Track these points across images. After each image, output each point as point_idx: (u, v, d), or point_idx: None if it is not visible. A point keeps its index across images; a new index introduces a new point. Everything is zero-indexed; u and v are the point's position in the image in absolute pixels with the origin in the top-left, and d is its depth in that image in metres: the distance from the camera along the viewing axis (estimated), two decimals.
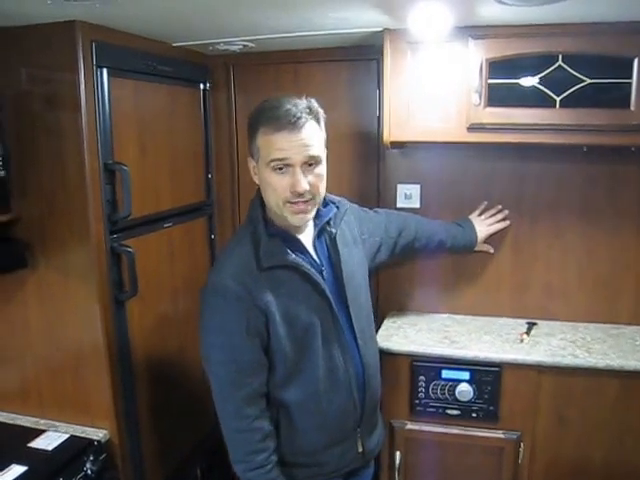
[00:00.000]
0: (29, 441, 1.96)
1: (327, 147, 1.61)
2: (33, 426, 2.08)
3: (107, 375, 2.00)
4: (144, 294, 2.14)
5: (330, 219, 1.70)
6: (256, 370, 1.56)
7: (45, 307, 2.02)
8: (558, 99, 2.03)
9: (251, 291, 1.52)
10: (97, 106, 1.90)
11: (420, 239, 2.20)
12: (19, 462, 1.83)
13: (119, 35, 1.99)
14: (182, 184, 2.39)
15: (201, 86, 2.51)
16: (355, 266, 1.74)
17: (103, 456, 1.99)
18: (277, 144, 1.49)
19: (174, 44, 2.29)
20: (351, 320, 1.68)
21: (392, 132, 2.19)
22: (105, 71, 1.92)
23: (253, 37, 2.25)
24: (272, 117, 1.50)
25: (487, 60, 2.05)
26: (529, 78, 2.05)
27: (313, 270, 1.60)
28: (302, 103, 1.53)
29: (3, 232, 1.95)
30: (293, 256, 1.57)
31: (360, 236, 1.85)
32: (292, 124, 1.48)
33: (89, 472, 1.92)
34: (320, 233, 1.69)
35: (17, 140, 1.90)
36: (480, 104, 2.08)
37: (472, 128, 2.11)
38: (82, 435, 2.01)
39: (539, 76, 2.03)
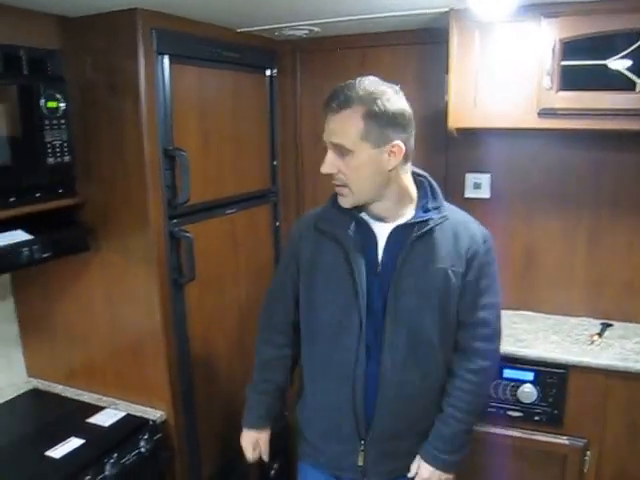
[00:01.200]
0: (88, 417, 2.03)
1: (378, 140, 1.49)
2: (95, 403, 2.15)
3: (164, 357, 2.05)
4: (204, 279, 2.17)
5: (418, 222, 1.57)
6: (280, 301, 1.78)
7: (108, 288, 2.08)
8: (639, 81, 1.87)
9: (301, 241, 1.71)
10: (157, 93, 1.92)
11: None
12: (77, 435, 1.90)
13: (181, 22, 2.01)
14: (246, 171, 2.40)
15: (267, 72, 2.50)
16: (422, 283, 1.58)
17: (158, 436, 2.04)
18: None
19: (238, 30, 2.28)
20: (383, 332, 1.59)
21: (458, 118, 2.11)
22: (166, 58, 1.94)
23: (319, 21, 2.21)
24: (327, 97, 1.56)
25: (560, 40, 1.93)
26: (607, 59, 1.89)
27: (358, 254, 1.58)
28: (349, 87, 1.51)
29: (68, 216, 2.02)
30: (339, 230, 1.61)
31: (460, 267, 1.61)
32: (327, 106, 1.52)
33: (143, 450, 1.97)
34: (403, 231, 1.59)
35: (82, 127, 1.95)
36: (552, 88, 1.95)
37: (543, 113, 1.99)
38: (139, 414, 2.07)
39: (618, 57, 1.87)
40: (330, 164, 1.54)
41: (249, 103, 2.39)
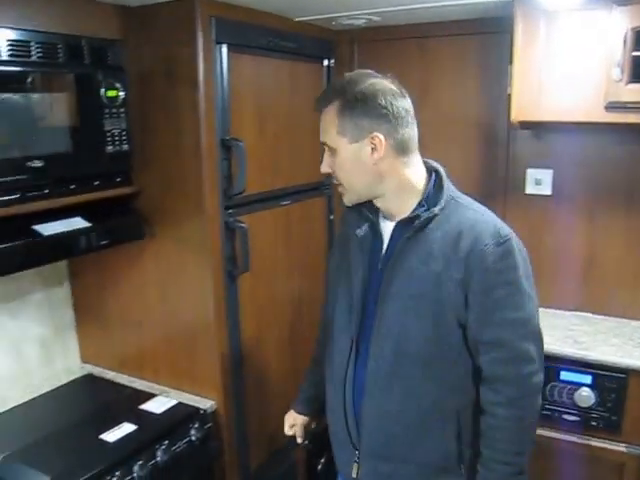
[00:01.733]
0: (140, 403, 2.06)
1: (370, 137, 1.41)
2: (147, 390, 2.18)
3: (216, 347, 2.05)
4: (257, 270, 2.17)
5: (411, 218, 1.46)
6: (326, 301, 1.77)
7: (162, 277, 2.10)
8: None
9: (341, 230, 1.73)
10: (215, 82, 1.92)
11: None
12: (130, 421, 1.93)
13: (239, 11, 2.00)
14: (302, 162, 2.38)
15: (325, 62, 2.47)
16: (410, 286, 1.45)
17: (208, 425, 2.05)
18: None
19: (296, 19, 2.26)
20: (370, 337, 1.52)
21: (521, 111, 2.04)
22: (225, 47, 1.93)
23: (378, 10, 2.16)
24: None
25: (633, 29, 1.84)
26: None
27: (359, 255, 1.56)
28: (332, 84, 1.53)
29: (124, 204, 2.04)
30: (350, 230, 1.60)
31: (456, 272, 1.42)
32: (316, 104, 1.51)
33: (193, 439, 1.98)
34: (401, 229, 1.49)
35: (140, 116, 1.96)
36: (621, 80, 1.87)
37: (611, 107, 1.91)
38: (190, 403, 2.08)
39: None
40: (324, 164, 1.53)
41: (305, 93, 2.36)
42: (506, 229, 1.43)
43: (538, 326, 1.45)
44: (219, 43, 1.92)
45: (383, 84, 1.44)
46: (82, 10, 1.82)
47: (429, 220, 1.44)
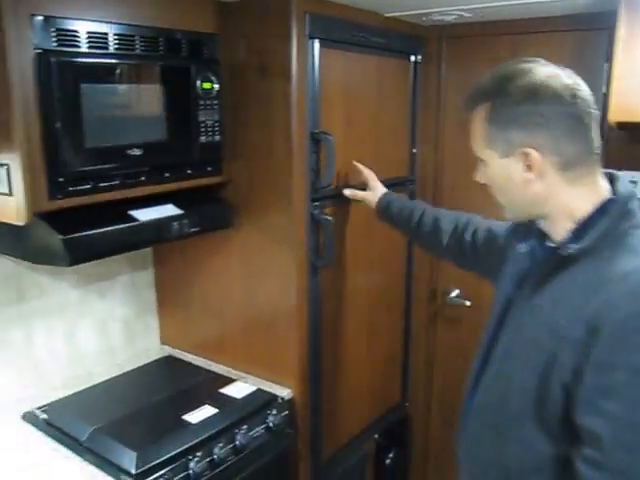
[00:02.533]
0: (220, 387, 2.12)
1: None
2: (225, 374, 2.25)
3: (296, 337, 2.10)
4: (339, 263, 2.20)
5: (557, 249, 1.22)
6: None
7: (246, 265, 2.15)
8: None
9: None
10: (307, 76, 1.95)
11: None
12: (211, 404, 1.99)
13: (332, 6, 2.02)
14: (386, 157, 2.39)
15: (412, 58, 2.47)
16: (525, 333, 1.25)
17: (285, 413, 2.10)
18: None
19: (386, 14, 2.26)
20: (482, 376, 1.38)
21: (621, 111, 1.96)
22: (317, 42, 1.96)
23: (470, 6, 2.14)
24: None
25: None
26: None
27: (508, 277, 1.39)
28: (490, 78, 1.23)
29: (214, 193, 2.10)
30: (511, 248, 1.41)
31: (577, 331, 1.12)
32: (464, 103, 1.29)
33: (271, 425, 2.03)
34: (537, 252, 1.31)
35: (231, 107, 2.01)
36: None
37: None
38: (268, 390, 2.13)
39: None
40: (478, 173, 1.32)
41: (392, 89, 2.37)
42: None
43: None
44: (311, 38, 1.94)
45: (549, 81, 1.16)
46: (180, 5, 1.87)
47: (571, 256, 1.18)
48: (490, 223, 1.76)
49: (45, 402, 2.04)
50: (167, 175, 1.88)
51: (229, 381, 2.17)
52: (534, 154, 1.17)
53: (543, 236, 1.30)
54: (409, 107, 2.50)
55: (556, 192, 1.21)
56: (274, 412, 2.05)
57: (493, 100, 1.20)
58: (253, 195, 2.06)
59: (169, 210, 1.90)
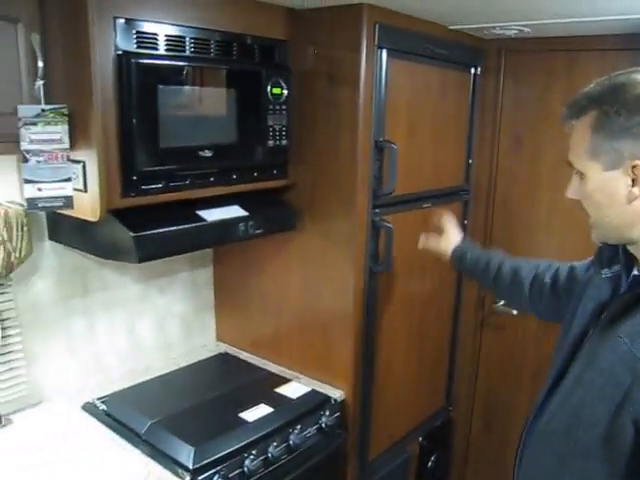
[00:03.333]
0: (276, 387, 2.16)
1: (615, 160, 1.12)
2: (279, 373, 2.29)
3: (351, 340, 2.13)
4: (395, 269, 2.22)
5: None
6: None
7: (305, 268, 2.20)
8: None
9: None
10: (374, 86, 1.98)
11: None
12: (267, 403, 2.02)
13: (400, 17, 2.05)
14: (443, 167, 2.42)
15: (472, 71, 2.49)
16: (596, 367, 1.18)
17: (337, 414, 2.13)
18: None
19: (450, 27, 2.29)
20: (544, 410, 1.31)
21: None
22: (384, 52, 1.99)
23: (532, 22, 2.15)
24: None
25: None
26: None
27: (588, 304, 1.29)
28: (589, 87, 1.17)
29: (278, 196, 2.15)
30: (594, 271, 1.32)
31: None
32: (565, 113, 1.21)
33: (323, 426, 2.07)
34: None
35: (298, 113, 2.05)
36: None
37: None
38: (321, 391, 2.16)
39: None
40: (571, 189, 1.23)
41: (452, 101, 2.40)
42: None
43: None
44: (380, 48, 1.97)
45: None
46: (254, 11, 1.93)
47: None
48: (572, 263, 1.62)
49: (104, 393, 2.10)
50: (234, 177, 1.93)
51: (284, 381, 2.21)
52: None
53: (631, 263, 1.22)
54: (467, 118, 2.53)
55: None
56: (327, 413, 2.09)
57: (604, 108, 1.12)
58: (316, 199, 2.09)
59: (235, 211, 1.95)
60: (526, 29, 2.27)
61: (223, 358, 2.45)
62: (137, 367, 2.31)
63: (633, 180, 1.11)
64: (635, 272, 1.20)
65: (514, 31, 2.31)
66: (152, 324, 2.34)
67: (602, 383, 1.15)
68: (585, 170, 1.17)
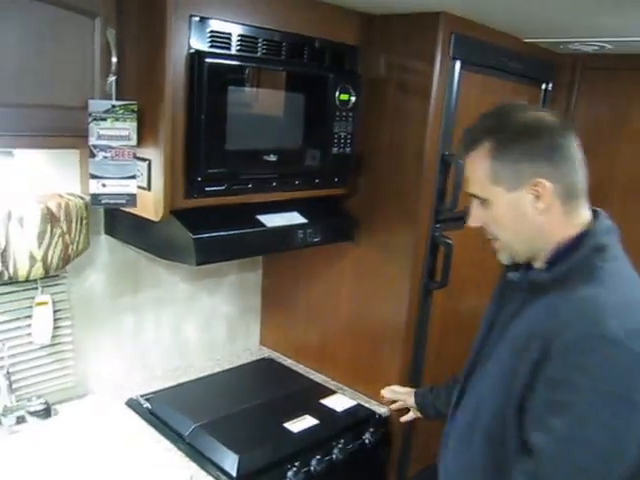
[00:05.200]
0: (321, 398, 2.12)
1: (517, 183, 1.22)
2: (324, 383, 2.26)
3: (400, 357, 2.08)
4: (451, 286, 2.16)
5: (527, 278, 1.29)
6: None
7: (358, 279, 2.15)
8: None
9: None
10: (445, 98, 1.93)
11: None
12: (312, 414, 1.98)
13: (476, 28, 1.99)
14: None
15: (543, 86, 2.41)
16: (498, 354, 1.30)
17: (382, 430, 2.08)
18: None
19: (525, 40, 2.22)
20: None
21: None
22: (458, 64, 1.94)
23: (617, 39, 2.06)
24: None
25: None
26: None
27: (501, 293, 1.45)
28: (479, 120, 1.31)
29: (337, 205, 2.10)
30: (511, 267, 1.38)
31: (532, 351, 1.18)
32: (460, 148, 1.34)
33: (367, 441, 2.02)
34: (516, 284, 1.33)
35: (364, 120, 2.00)
36: None
37: None
38: (366, 405, 2.12)
39: None
40: (474, 218, 1.34)
41: None
42: (615, 329, 1.09)
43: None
44: (454, 59, 1.92)
45: (544, 116, 1.26)
46: (328, 15, 1.88)
47: (541, 284, 1.24)
48: None
49: (147, 390, 2.09)
50: (296, 183, 1.90)
51: (329, 392, 2.17)
52: (545, 183, 1.21)
53: (530, 267, 1.33)
54: None
55: (557, 223, 1.25)
56: (371, 429, 2.05)
57: (498, 137, 1.23)
58: (376, 211, 2.05)
59: (295, 218, 1.92)
60: (608, 46, 2.18)
61: (266, 363, 2.42)
62: (180, 366, 2.30)
63: (536, 197, 1.22)
64: (533, 269, 1.31)
65: (594, 47, 2.24)
66: (198, 324, 2.33)
67: (495, 378, 1.27)
68: (490, 196, 1.26)
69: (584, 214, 1.27)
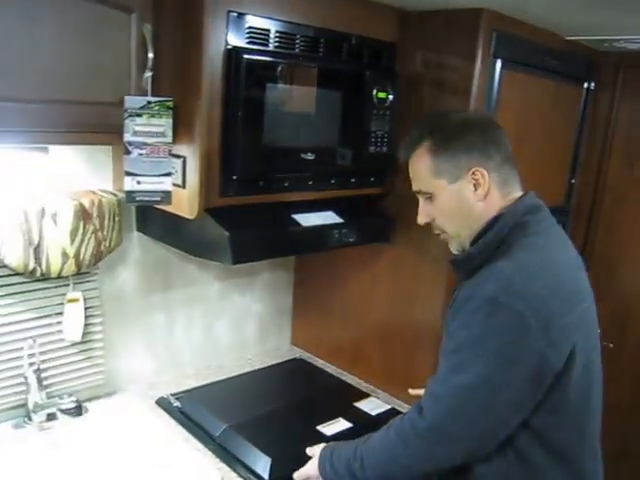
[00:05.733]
0: (355, 401, 2.07)
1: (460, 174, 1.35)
2: (356, 385, 2.22)
3: (437, 360, 2.02)
4: None
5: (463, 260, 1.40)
6: None
7: (394, 281, 2.11)
8: None
9: None
10: (486, 97, 1.87)
11: None
12: (345, 417, 1.94)
13: (518, 25, 1.94)
14: (545, 184, 2.27)
15: (585, 85, 2.35)
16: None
17: None
18: None
19: (567, 37, 2.15)
20: None
21: None
22: (499, 62, 1.88)
23: None
24: None
25: None
26: None
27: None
28: (423, 123, 1.45)
29: (373, 205, 2.06)
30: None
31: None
32: (402, 152, 1.46)
33: None
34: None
35: (400, 119, 1.95)
36: None
37: None
38: (400, 409, 2.07)
39: None
40: (422, 214, 1.47)
41: (560, 116, 2.27)
42: (498, 291, 1.23)
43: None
44: (495, 57, 1.86)
45: (475, 115, 1.48)
46: (366, 11, 1.85)
47: (461, 266, 1.41)
48: None
49: (177, 389, 2.08)
50: (332, 182, 1.86)
51: (363, 395, 2.13)
52: (482, 170, 1.35)
53: None
54: (575, 135, 2.39)
55: (495, 208, 1.37)
56: None
57: (434, 135, 1.38)
58: (413, 211, 1.99)
59: (330, 217, 1.88)
60: None
61: (298, 363, 2.39)
62: (211, 365, 2.28)
63: (474, 185, 1.36)
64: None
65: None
66: (229, 323, 2.31)
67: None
68: (433, 189, 1.40)
69: (516, 198, 1.39)
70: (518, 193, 1.41)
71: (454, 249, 1.48)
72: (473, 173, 1.35)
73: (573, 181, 2.44)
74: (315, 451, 1.59)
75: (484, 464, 1.35)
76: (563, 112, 2.28)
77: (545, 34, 2.06)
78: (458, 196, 1.38)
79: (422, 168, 1.41)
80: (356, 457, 1.45)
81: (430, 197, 1.42)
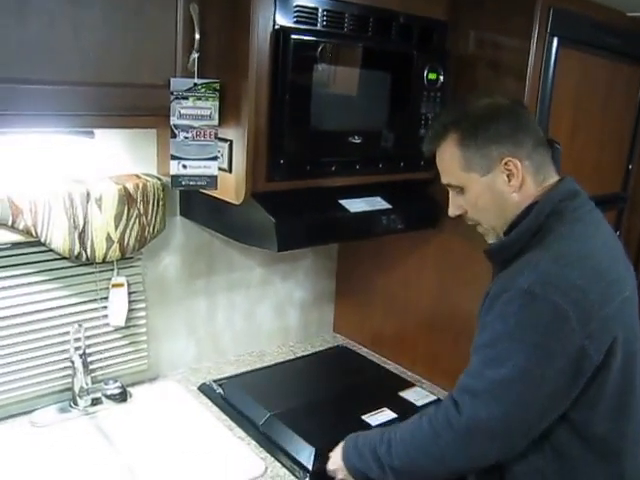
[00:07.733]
0: (400, 390, 2.02)
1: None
2: (400, 374, 2.17)
3: None
4: None
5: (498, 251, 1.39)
6: None
7: (441, 269, 2.05)
8: None
9: None
10: (542, 77, 1.79)
11: None
12: (390, 407, 1.89)
13: (576, 1, 1.84)
14: (601, 171, 2.21)
15: None
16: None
17: None
18: None
19: (629, 13, 2.05)
20: None
21: None
22: (556, 40, 1.79)
23: None
24: None
25: None
26: None
27: None
28: (448, 112, 1.42)
29: (420, 190, 1.99)
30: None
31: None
32: (427, 145, 1.43)
33: None
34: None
35: (451, 101, 1.87)
36: None
37: None
38: None
39: None
40: (453, 206, 1.43)
41: (619, 98, 2.17)
42: (533, 282, 1.19)
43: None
44: (552, 35, 1.77)
45: (497, 100, 1.36)
46: None
47: (496, 256, 1.40)
48: None
49: (219, 375, 2.06)
50: (380, 166, 1.80)
51: (408, 385, 2.08)
52: (514, 161, 1.29)
53: None
54: (634, 118, 2.29)
55: (531, 197, 1.32)
56: None
57: (463, 126, 1.32)
58: None
59: (378, 203, 1.82)
60: None
61: (341, 351, 2.35)
62: (253, 351, 2.26)
63: (508, 175, 1.31)
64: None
65: None
66: (271, 309, 2.27)
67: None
68: (464, 183, 1.35)
69: (552, 184, 1.34)
70: (553, 177, 1.36)
71: (491, 240, 1.45)
72: (505, 163, 1.31)
73: (630, 167, 2.34)
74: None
75: (520, 462, 1.31)
76: (622, 93, 2.18)
77: (605, 10, 1.97)
78: (491, 188, 1.34)
79: (450, 162, 1.37)
80: (383, 441, 1.41)
81: (461, 190, 1.38)
